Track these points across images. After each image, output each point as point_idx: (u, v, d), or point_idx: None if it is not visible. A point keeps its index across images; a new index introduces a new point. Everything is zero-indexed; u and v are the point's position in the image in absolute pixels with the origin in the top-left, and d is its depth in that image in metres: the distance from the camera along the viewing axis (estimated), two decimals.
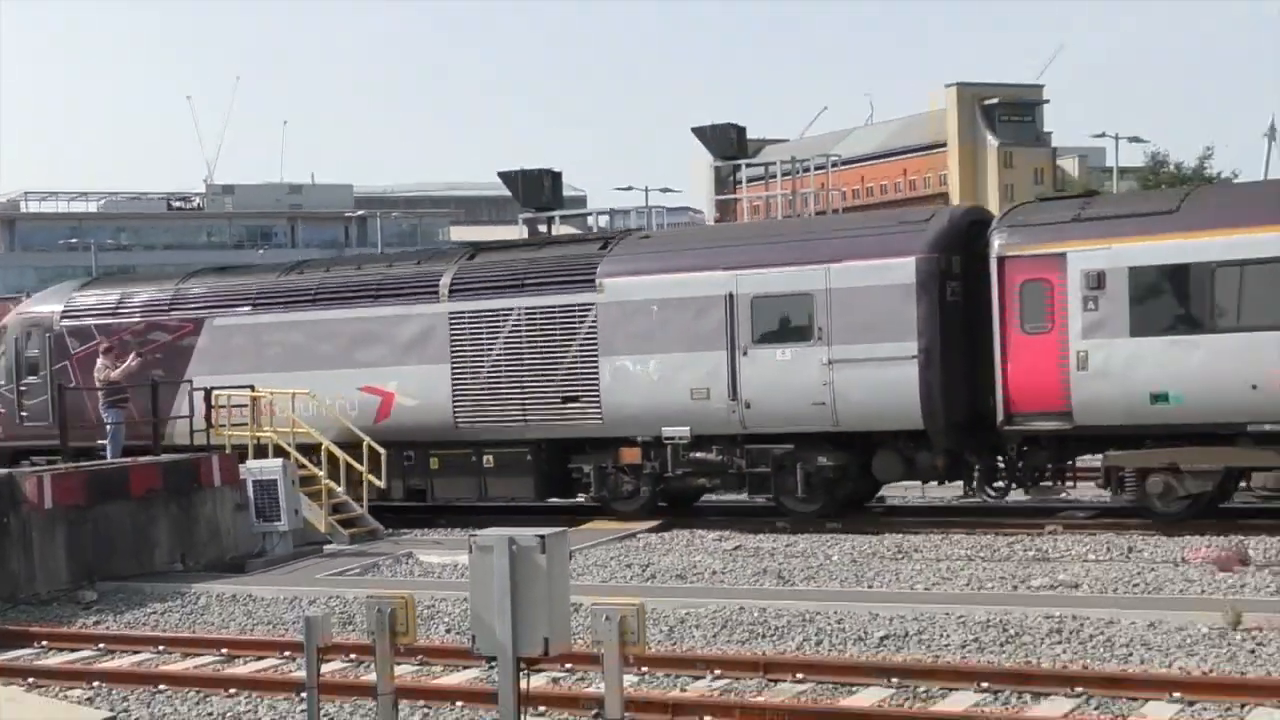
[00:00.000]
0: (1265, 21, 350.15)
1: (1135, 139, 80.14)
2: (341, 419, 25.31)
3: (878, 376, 21.42)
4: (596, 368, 23.31)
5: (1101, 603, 16.10)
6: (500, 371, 24.13)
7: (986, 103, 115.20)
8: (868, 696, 12.73)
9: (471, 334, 24.34)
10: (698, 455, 23.04)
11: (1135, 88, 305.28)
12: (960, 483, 23.24)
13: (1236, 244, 19.82)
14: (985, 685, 12.63)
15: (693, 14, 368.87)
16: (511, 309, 24.02)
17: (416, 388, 24.69)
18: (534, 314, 23.82)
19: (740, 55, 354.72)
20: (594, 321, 23.34)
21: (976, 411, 21.63)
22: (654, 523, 23.97)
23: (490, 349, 24.17)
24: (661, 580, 19.21)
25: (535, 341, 23.82)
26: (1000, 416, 21.18)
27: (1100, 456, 21.51)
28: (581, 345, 23.44)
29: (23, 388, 27.98)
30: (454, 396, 24.43)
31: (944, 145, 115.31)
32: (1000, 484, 22.55)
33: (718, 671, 13.71)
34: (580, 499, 25.10)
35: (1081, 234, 21.03)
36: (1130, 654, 13.75)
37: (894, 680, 13.02)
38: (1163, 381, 20.18)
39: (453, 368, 24.42)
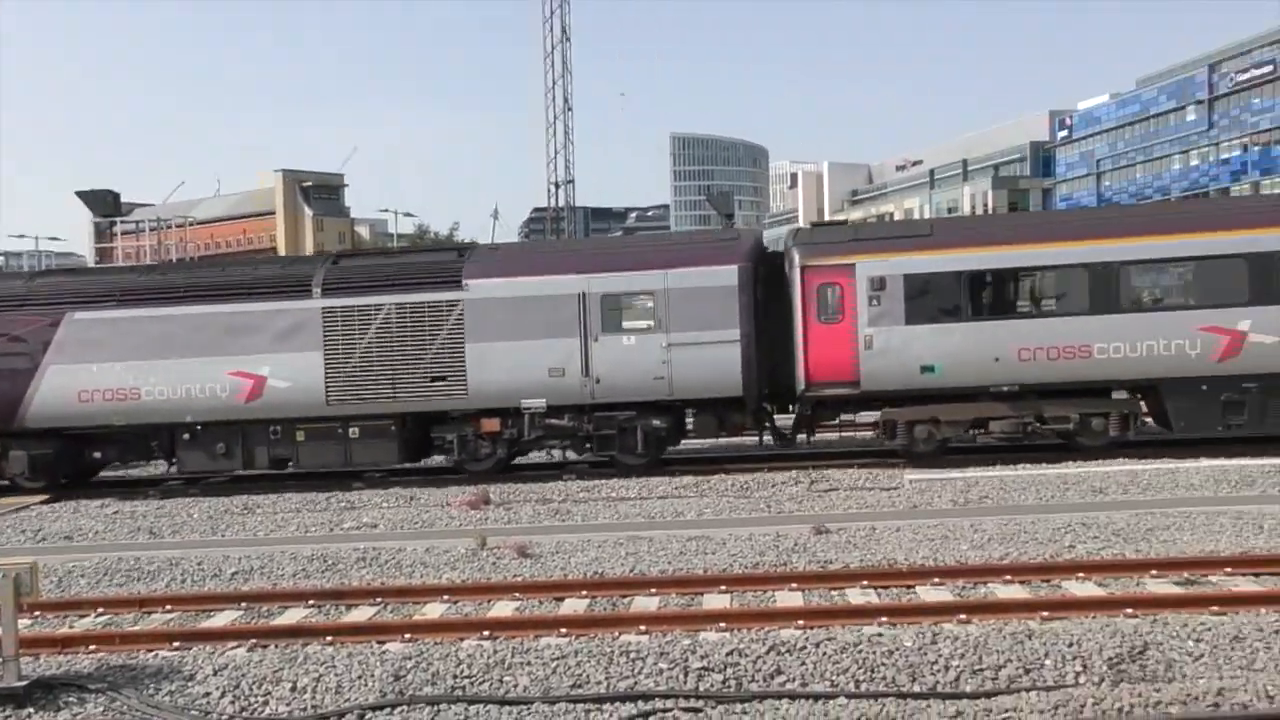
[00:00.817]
0: (506, 126, 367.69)
1: (408, 214, 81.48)
2: None
3: (708, 356, 20.35)
4: (463, 352, 20.74)
5: (393, 536, 16.04)
6: (371, 356, 20.91)
7: (304, 184, 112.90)
8: (223, 618, 11.92)
9: (344, 325, 20.99)
10: (552, 422, 20.96)
11: (408, 176, 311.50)
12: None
13: (978, 258, 20.13)
14: (312, 602, 12.20)
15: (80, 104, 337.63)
16: (383, 304, 20.92)
17: (289, 372, 20.99)
18: (404, 308, 20.89)
19: (121, 136, 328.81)
20: (460, 314, 20.77)
21: (776, 381, 20.92)
22: (45, 496, 21.40)
23: (362, 337, 20.94)
24: (52, 542, 17.08)
25: (405, 331, 20.89)
26: (802, 385, 20.46)
27: (879, 412, 21.06)
28: (449, 334, 20.77)
29: None
30: (326, 378, 20.96)
31: (273, 213, 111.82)
32: (767, 436, 21.77)
33: (101, 610, 12.34)
34: (440, 460, 22.22)
35: (866, 249, 20.63)
36: (415, 571, 13.72)
37: (243, 605, 12.28)
38: (929, 357, 20.15)
39: (325, 354, 20.94)
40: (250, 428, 21.53)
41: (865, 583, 11.89)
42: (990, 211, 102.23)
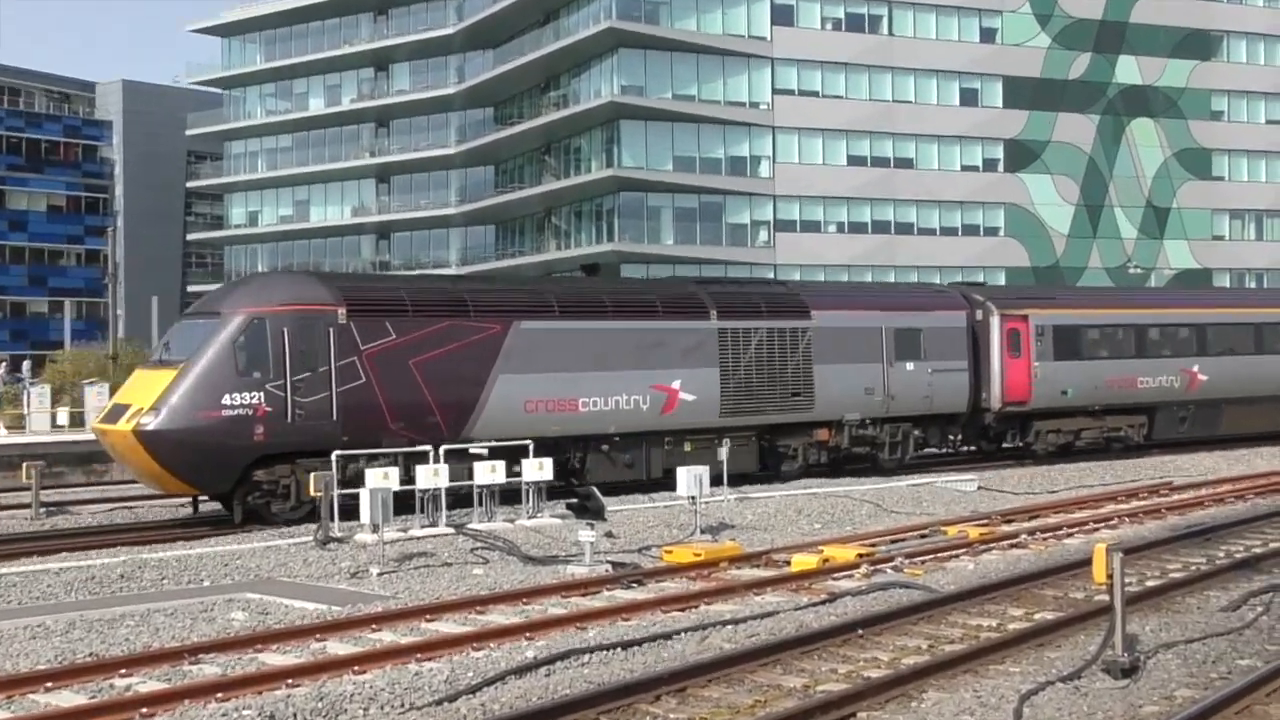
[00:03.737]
0: None
1: None
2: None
3: (949, 380, 25.96)
4: (813, 372, 24.15)
5: None
6: (744, 375, 23.37)
7: None
8: None
9: (733, 341, 23.32)
10: (861, 432, 24.88)
11: None
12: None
13: (1094, 316, 29.37)
14: None
15: None
16: (757, 329, 23.75)
17: (696, 386, 22.70)
18: (772, 333, 23.86)
19: None
20: (809, 339, 24.23)
21: (975, 401, 26.56)
22: None
23: (742, 356, 23.36)
24: None
25: (771, 352, 23.71)
26: (998, 404, 26.67)
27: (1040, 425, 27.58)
28: (803, 354, 24.15)
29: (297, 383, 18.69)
30: (721, 392, 23.06)
31: None
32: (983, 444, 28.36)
33: None
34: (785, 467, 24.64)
35: (1035, 305, 27.75)
36: None
37: None
38: (1066, 383, 27.27)
39: (720, 369, 23.09)
40: (654, 439, 22.24)
41: None
42: None
